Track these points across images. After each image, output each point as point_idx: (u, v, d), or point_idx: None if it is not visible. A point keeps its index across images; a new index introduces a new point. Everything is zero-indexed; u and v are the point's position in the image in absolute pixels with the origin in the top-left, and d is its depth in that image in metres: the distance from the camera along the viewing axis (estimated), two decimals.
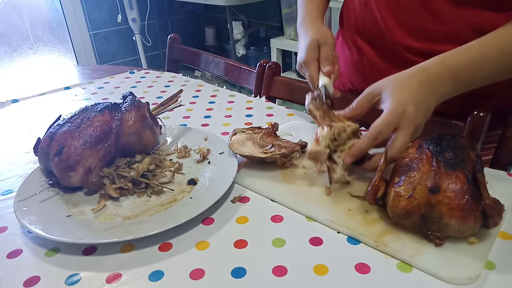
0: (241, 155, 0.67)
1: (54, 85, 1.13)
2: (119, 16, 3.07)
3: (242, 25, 2.96)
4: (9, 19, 2.68)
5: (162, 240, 0.54)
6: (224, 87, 1.07)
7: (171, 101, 0.81)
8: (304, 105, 0.70)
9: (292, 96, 1.04)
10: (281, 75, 1.08)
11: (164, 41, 1.80)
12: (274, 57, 2.72)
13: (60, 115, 0.69)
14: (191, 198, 0.61)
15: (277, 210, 0.59)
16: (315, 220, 0.57)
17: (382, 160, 0.56)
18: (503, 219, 0.51)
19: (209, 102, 0.99)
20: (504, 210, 0.49)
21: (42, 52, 2.90)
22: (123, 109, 0.67)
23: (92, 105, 0.67)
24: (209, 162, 0.70)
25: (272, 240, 0.53)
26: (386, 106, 0.59)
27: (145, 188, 0.63)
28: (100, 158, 0.62)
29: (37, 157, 0.66)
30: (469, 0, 0.67)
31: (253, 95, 1.05)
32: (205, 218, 0.58)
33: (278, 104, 0.98)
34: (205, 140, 0.76)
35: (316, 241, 0.53)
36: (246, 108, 0.94)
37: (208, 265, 0.50)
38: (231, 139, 0.70)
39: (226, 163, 0.67)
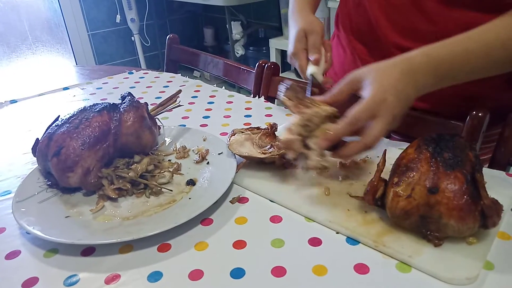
0: (240, 156, 0.67)
1: (52, 85, 1.13)
2: (118, 17, 3.07)
3: (241, 25, 2.96)
4: (7, 19, 2.68)
5: (161, 241, 0.54)
6: (223, 88, 1.07)
7: (170, 102, 0.81)
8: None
9: None
10: (280, 75, 1.08)
11: (163, 41, 1.80)
12: (273, 57, 2.72)
13: (59, 116, 0.69)
14: (190, 198, 0.61)
15: (276, 210, 0.59)
16: (314, 221, 0.57)
17: (380, 160, 0.56)
18: (502, 219, 0.52)
19: (208, 103, 0.98)
20: (503, 210, 0.49)
21: (41, 52, 2.90)
22: (121, 109, 0.67)
23: (90, 105, 0.67)
24: (208, 163, 0.70)
25: (271, 241, 0.53)
26: (366, 93, 0.58)
27: (144, 189, 0.63)
28: (99, 158, 0.62)
29: (35, 158, 0.66)
30: (459, 1, 0.67)
31: (252, 96, 1.05)
32: (204, 218, 0.58)
33: (277, 105, 0.98)
34: (204, 140, 0.76)
35: (315, 242, 0.53)
36: (245, 109, 0.94)
37: (207, 266, 0.50)
38: (230, 139, 0.70)
39: (225, 163, 0.67)
